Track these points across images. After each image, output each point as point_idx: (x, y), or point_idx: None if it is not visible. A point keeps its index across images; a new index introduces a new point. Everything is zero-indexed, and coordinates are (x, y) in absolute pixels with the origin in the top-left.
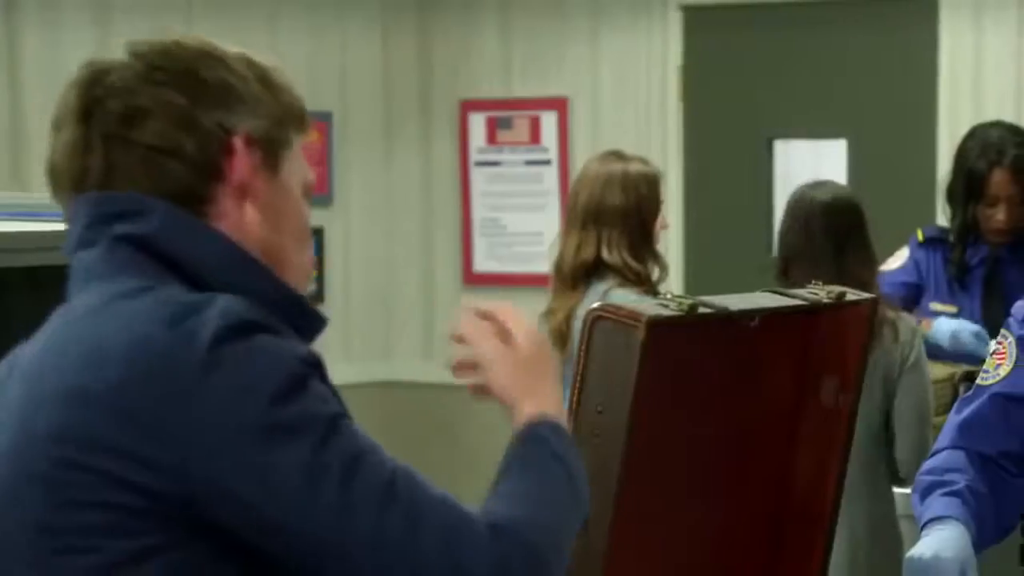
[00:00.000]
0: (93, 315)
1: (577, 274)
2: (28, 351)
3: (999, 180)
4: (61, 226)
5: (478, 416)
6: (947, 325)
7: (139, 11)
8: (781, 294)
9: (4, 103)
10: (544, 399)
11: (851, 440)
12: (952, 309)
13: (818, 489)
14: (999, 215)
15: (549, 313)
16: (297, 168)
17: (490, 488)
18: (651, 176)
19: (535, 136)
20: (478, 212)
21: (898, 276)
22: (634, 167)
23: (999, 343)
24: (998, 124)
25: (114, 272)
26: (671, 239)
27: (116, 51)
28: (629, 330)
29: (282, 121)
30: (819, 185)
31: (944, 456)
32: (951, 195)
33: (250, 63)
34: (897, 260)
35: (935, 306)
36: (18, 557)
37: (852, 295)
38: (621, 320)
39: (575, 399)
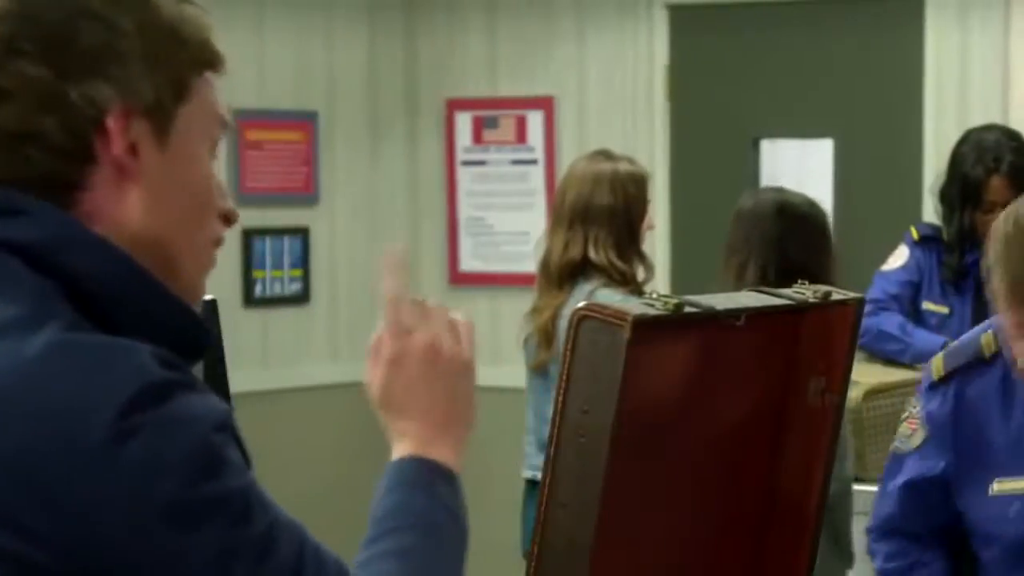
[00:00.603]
0: None
1: (563, 273)
2: None
3: (996, 187)
4: None
5: None
6: None
7: None
8: (767, 294)
9: None
10: (441, 429)
11: (837, 440)
12: (943, 310)
13: (804, 489)
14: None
15: (535, 311)
16: (201, 120)
17: (374, 536)
18: (639, 176)
19: (521, 135)
20: (464, 211)
21: (901, 275)
22: (622, 167)
23: (912, 407)
24: (993, 128)
25: None
26: (657, 238)
27: None
28: (615, 329)
29: (178, 74)
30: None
31: (897, 545)
32: (945, 199)
33: (142, 7)
34: (898, 259)
35: (927, 305)
36: None
37: (838, 295)
38: (607, 319)
39: (560, 399)
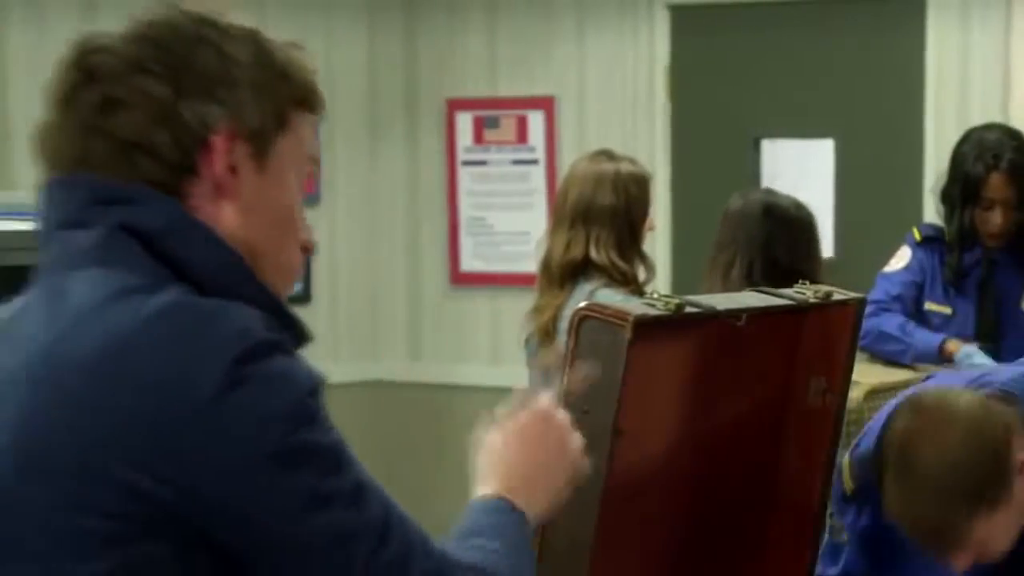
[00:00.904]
0: (105, 308)
1: (564, 272)
2: (24, 324)
3: (995, 184)
4: None
5: (465, 415)
6: (980, 359)
7: (125, 11)
8: (768, 294)
9: None
10: (532, 494)
11: (838, 440)
12: (946, 311)
13: (804, 488)
14: (995, 219)
15: (536, 311)
16: (295, 153)
17: (459, 536)
18: (641, 177)
19: (522, 135)
20: (465, 211)
21: (904, 276)
22: (625, 167)
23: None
24: (994, 127)
25: (114, 262)
26: (657, 238)
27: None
28: (616, 329)
29: (281, 108)
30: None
31: None
32: (947, 198)
33: (257, 43)
34: (901, 260)
35: (929, 306)
36: (19, 554)
37: (839, 295)
38: (608, 319)
39: (561, 399)
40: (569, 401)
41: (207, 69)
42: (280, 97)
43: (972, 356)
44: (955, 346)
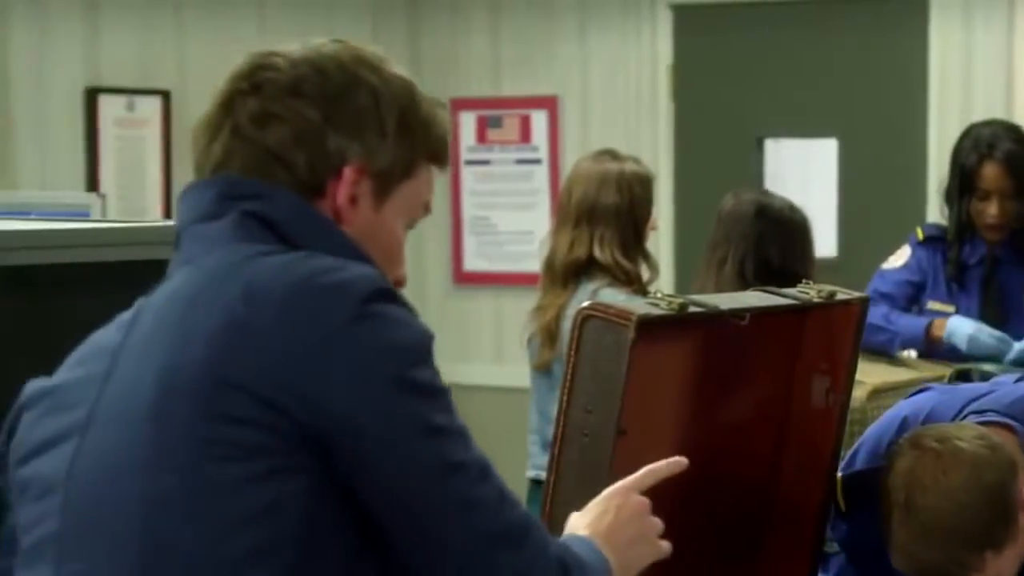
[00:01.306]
0: (240, 266)
1: (568, 271)
2: (158, 298)
3: (990, 173)
4: (49, 225)
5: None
6: (965, 327)
7: (128, 10)
8: (771, 293)
9: None
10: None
11: (841, 440)
12: (950, 309)
13: (808, 488)
14: (991, 209)
15: (539, 310)
16: (410, 198)
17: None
18: (645, 177)
19: (525, 135)
20: (468, 211)
21: (901, 275)
22: (628, 167)
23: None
24: (993, 122)
25: (243, 238)
26: (661, 237)
27: (109, 50)
28: (619, 329)
29: (412, 159)
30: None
31: None
32: (948, 194)
33: (409, 96)
34: (899, 258)
35: (933, 305)
36: (172, 465)
37: (843, 294)
38: (611, 319)
39: (564, 398)
40: (572, 400)
41: (358, 108)
42: (414, 150)
43: (955, 333)
44: (940, 328)
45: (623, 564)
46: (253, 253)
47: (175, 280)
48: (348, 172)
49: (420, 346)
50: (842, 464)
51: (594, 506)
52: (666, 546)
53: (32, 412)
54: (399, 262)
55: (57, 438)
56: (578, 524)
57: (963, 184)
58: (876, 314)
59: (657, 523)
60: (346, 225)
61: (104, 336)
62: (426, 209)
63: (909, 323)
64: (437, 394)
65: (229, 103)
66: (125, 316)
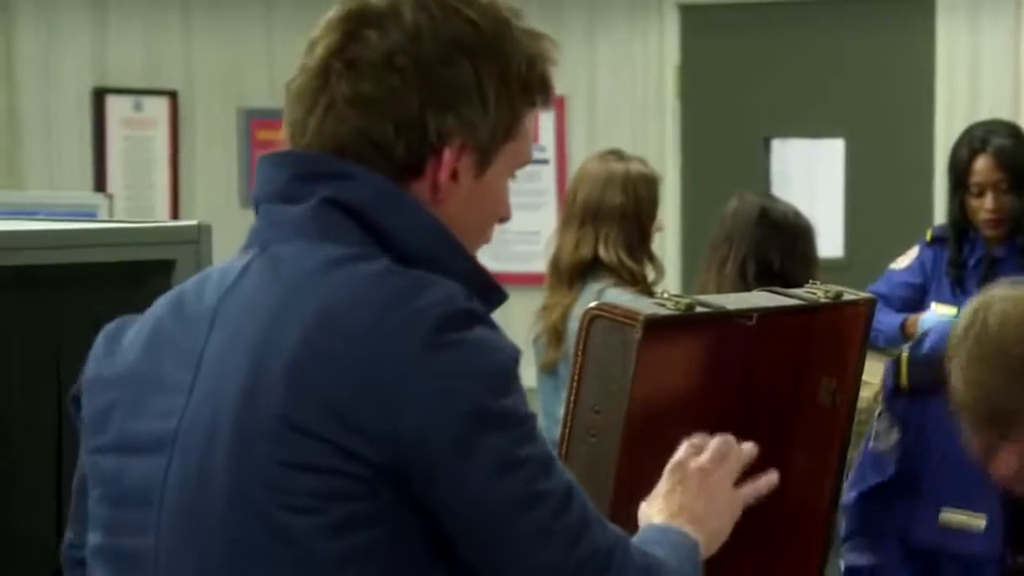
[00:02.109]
0: (317, 277)
1: (574, 271)
2: (244, 294)
3: (982, 167)
4: (56, 225)
5: None
6: (934, 321)
7: (136, 11)
8: (778, 294)
9: (1, 99)
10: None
11: (848, 440)
12: (953, 311)
13: (815, 490)
14: (987, 203)
15: (545, 309)
16: (513, 157)
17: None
18: (651, 178)
19: (532, 135)
20: None
21: (902, 276)
22: (635, 167)
23: (880, 406)
24: (991, 121)
25: (321, 234)
26: (667, 238)
27: (117, 51)
28: (626, 329)
29: (515, 118)
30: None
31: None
32: (949, 194)
33: (507, 46)
34: (904, 260)
35: (936, 307)
36: (249, 507)
37: (849, 295)
38: (618, 319)
39: (571, 398)
40: (579, 401)
41: (456, 81)
42: (517, 107)
43: (927, 322)
44: (914, 324)
45: (710, 532)
46: (334, 258)
47: (252, 278)
48: (448, 153)
49: (499, 372)
50: (911, 345)
51: (660, 490)
52: (746, 491)
53: (108, 394)
54: (502, 208)
55: (149, 444)
56: (650, 512)
57: (957, 181)
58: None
59: (724, 478)
60: (445, 200)
61: (168, 317)
62: (529, 157)
63: (888, 320)
64: (517, 423)
65: (324, 75)
66: (188, 296)
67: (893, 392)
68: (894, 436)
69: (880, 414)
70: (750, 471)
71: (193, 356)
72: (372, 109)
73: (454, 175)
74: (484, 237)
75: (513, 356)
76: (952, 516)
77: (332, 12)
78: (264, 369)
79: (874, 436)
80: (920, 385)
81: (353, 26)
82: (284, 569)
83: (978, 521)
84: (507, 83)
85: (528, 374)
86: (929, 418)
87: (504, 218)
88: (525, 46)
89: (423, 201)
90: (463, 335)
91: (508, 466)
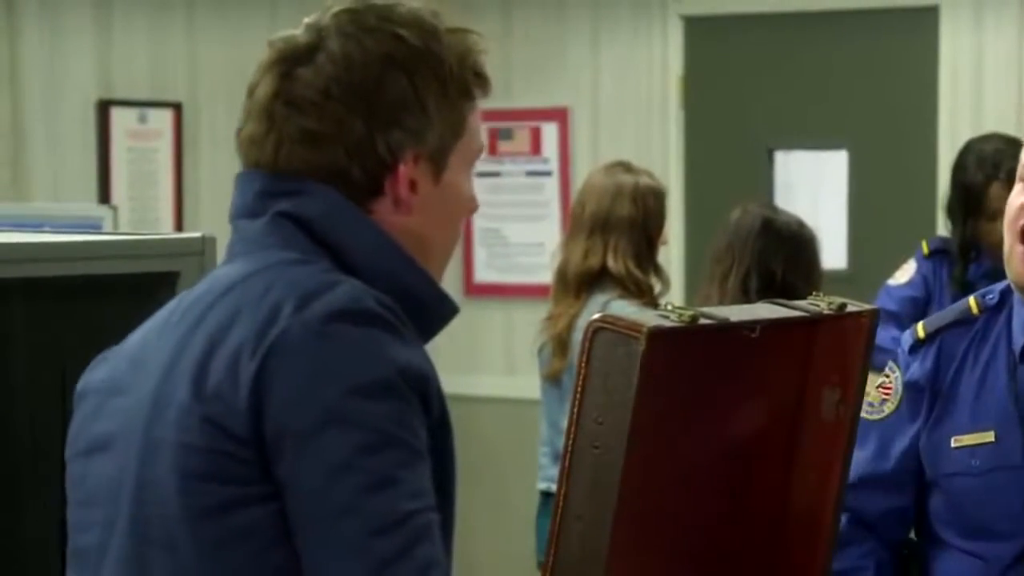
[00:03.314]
0: (252, 277)
1: (581, 281)
2: (185, 307)
3: (997, 194)
4: (60, 237)
5: (479, 426)
6: None
7: (140, 22)
8: (781, 305)
9: (5, 111)
10: None
11: (852, 452)
12: None
13: (819, 501)
14: (1001, 229)
15: (550, 319)
16: (466, 152)
17: None
18: (659, 190)
19: (536, 146)
20: (479, 222)
21: (905, 292)
22: (643, 180)
23: (886, 375)
24: (992, 137)
25: (273, 243)
26: (671, 249)
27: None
28: (630, 341)
29: (459, 116)
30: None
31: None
32: (950, 211)
33: (437, 50)
34: (904, 274)
35: None
36: (152, 491)
37: (853, 306)
38: (622, 331)
39: (575, 410)
40: (583, 412)
41: (396, 98)
42: (458, 107)
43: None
44: None
45: None
46: (275, 261)
47: (202, 286)
48: (402, 167)
49: (372, 377)
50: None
51: None
52: None
53: (84, 406)
54: (469, 205)
55: (101, 445)
56: None
57: (969, 205)
58: (885, 337)
59: None
60: (411, 211)
61: (151, 330)
62: (481, 147)
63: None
64: (369, 429)
65: (269, 119)
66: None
67: (911, 351)
68: (889, 407)
69: (877, 386)
70: (753, 484)
71: (144, 359)
72: (321, 142)
73: (412, 186)
74: (456, 234)
75: (399, 368)
76: (963, 439)
77: (263, 55)
78: (176, 365)
79: (865, 405)
80: (939, 327)
81: (286, 67)
82: (187, 552)
83: (987, 435)
84: (444, 86)
85: (533, 385)
86: (948, 350)
87: (472, 210)
88: (453, 45)
89: (387, 217)
90: (350, 331)
91: (341, 470)
